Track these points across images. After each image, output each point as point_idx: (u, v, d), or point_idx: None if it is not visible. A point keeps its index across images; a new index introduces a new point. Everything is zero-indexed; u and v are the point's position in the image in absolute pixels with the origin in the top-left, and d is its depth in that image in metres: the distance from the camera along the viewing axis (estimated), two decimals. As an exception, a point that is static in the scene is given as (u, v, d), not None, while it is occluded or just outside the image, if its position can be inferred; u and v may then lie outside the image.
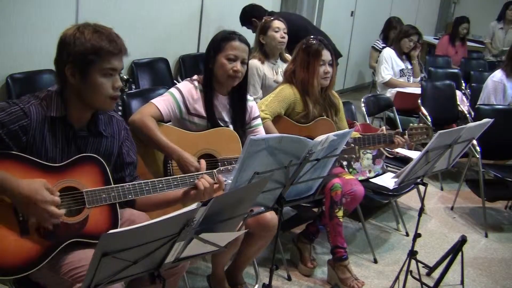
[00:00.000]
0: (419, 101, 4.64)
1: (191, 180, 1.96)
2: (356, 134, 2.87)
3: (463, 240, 2.76)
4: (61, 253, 1.74)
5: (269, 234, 2.45)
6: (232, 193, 1.67)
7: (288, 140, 1.84)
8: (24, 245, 1.68)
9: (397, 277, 2.72)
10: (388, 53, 5.08)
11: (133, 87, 3.93)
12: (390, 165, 3.68)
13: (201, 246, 1.52)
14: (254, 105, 2.62)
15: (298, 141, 1.86)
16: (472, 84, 5.14)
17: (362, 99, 4.05)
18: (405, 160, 3.53)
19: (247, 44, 2.47)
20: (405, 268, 2.65)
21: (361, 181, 3.13)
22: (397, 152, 3.52)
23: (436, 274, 2.95)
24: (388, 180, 3.26)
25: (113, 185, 1.83)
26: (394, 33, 5.52)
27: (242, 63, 2.42)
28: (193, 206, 1.33)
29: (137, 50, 4.29)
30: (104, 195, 1.79)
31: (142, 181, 1.88)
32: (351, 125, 3.20)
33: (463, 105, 4.97)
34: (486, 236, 3.75)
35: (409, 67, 5.15)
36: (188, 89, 2.45)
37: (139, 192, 1.86)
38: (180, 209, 1.33)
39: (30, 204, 1.62)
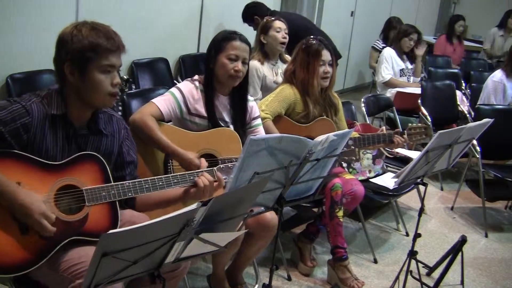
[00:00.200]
0: (419, 101, 4.64)
1: (191, 178, 1.96)
2: (356, 134, 2.87)
3: (463, 240, 2.76)
4: (61, 251, 1.75)
5: (269, 234, 2.45)
6: (232, 193, 1.67)
7: (288, 140, 1.84)
8: (23, 244, 1.69)
9: (397, 277, 2.72)
10: (389, 52, 5.08)
11: (133, 87, 3.93)
12: (390, 165, 3.68)
13: (201, 246, 1.52)
14: (255, 105, 2.62)
15: (298, 141, 1.86)
16: (472, 84, 5.14)
17: (362, 99, 4.05)
18: (405, 160, 3.53)
19: (248, 43, 2.47)
20: (405, 268, 2.65)
21: (361, 181, 3.13)
22: (397, 152, 3.52)
23: (436, 274, 2.95)
24: (388, 180, 3.26)
25: (113, 183, 1.83)
26: (394, 33, 5.52)
27: (243, 63, 2.42)
28: (193, 206, 1.33)
29: (137, 50, 4.29)
30: (104, 193, 1.79)
31: (142, 179, 1.88)
32: (351, 125, 3.20)
33: (463, 105, 4.97)
34: (486, 236, 3.75)
35: (409, 67, 5.15)
36: (189, 89, 2.45)
37: (139, 190, 1.86)
38: (180, 209, 1.33)
39: (26, 215, 1.65)
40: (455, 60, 6.68)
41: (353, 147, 2.75)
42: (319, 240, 3.24)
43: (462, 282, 2.95)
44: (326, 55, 2.92)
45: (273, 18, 3.76)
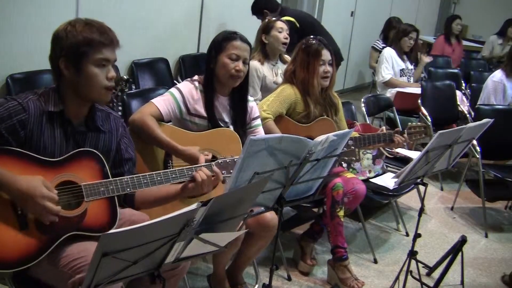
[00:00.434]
0: (419, 101, 4.64)
1: (189, 173, 1.96)
2: (356, 134, 2.87)
3: (463, 240, 2.76)
4: (60, 247, 1.75)
5: (269, 234, 2.45)
6: (232, 193, 1.67)
7: (288, 140, 1.84)
8: (23, 239, 1.69)
9: (397, 277, 2.71)
10: (389, 52, 5.08)
11: (133, 87, 3.93)
12: (390, 165, 3.68)
13: (201, 246, 1.52)
14: (254, 106, 2.62)
15: (298, 141, 1.86)
16: (472, 84, 5.15)
17: (362, 99, 4.05)
18: (405, 160, 3.53)
19: (249, 43, 2.47)
20: (405, 268, 2.65)
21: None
22: (397, 152, 3.52)
23: (436, 274, 2.95)
24: (388, 180, 3.26)
25: (111, 179, 1.84)
26: (394, 33, 5.52)
27: (243, 63, 2.42)
28: (193, 206, 1.33)
29: (137, 50, 4.29)
30: (102, 188, 1.80)
31: (140, 174, 1.88)
32: (351, 125, 3.20)
33: (463, 105, 4.97)
34: (486, 236, 3.75)
35: (410, 67, 5.15)
36: (188, 89, 2.45)
37: (137, 185, 1.86)
38: (180, 209, 1.33)
39: (28, 200, 1.64)
40: (454, 61, 6.68)
41: (353, 147, 2.75)
42: (319, 240, 3.24)
43: (462, 282, 2.95)
44: (326, 54, 2.92)
45: (274, 19, 3.77)
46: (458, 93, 4.97)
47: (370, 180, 3.30)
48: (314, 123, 2.93)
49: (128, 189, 1.84)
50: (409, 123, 2.92)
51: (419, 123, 2.96)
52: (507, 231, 3.89)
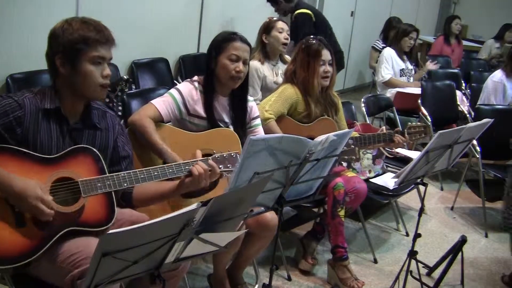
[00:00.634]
0: (419, 101, 4.64)
1: (186, 167, 1.96)
2: (356, 134, 2.87)
3: (463, 240, 2.76)
4: (58, 243, 1.76)
5: (269, 234, 2.45)
6: (232, 193, 1.67)
7: (288, 140, 1.84)
8: (20, 236, 1.70)
9: (397, 277, 2.71)
10: (389, 53, 5.08)
11: (133, 87, 3.93)
12: (390, 165, 3.68)
13: (201, 246, 1.52)
14: (254, 106, 2.62)
15: (298, 141, 1.86)
16: (472, 84, 5.14)
17: (362, 99, 4.05)
18: (405, 160, 3.53)
19: (248, 44, 2.46)
20: (405, 268, 2.65)
21: (361, 180, 3.13)
22: (397, 152, 3.53)
23: (436, 274, 2.95)
24: (388, 180, 3.26)
25: (108, 174, 1.84)
26: (393, 33, 5.52)
27: (244, 63, 2.41)
28: (193, 206, 1.33)
29: (137, 50, 4.29)
30: (99, 184, 1.81)
31: (137, 170, 1.89)
32: (351, 125, 3.21)
33: (463, 105, 4.98)
34: (486, 236, 3.76)
35: (410, 67, 5.15)
36: (188, 90, 2.45)
37: (134, 180, 1.87)
38: (180, 209, 1.33)
39: (22, 200, 1.66)
40: (454, 61, 6.68)
41: (353, 146, 2.75)
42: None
43: (462, 282, 2.95)
44: (326, 54, 2.92)
45: (275, 19, 3.77)
46: (458, 93, 4.97)
47: (370, 180, 3.30)
48: (315, 123, 2.93)
49: (125, 184, 1.85)
50: (409, 123, 2.93)
51: (418, 123, 2.97)
52: (507, 231, 3.89)
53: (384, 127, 3.00)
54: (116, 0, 3.99)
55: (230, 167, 2.05)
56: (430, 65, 5.30)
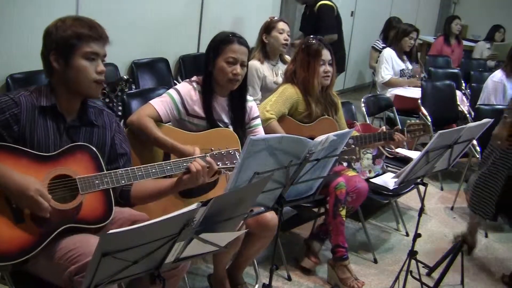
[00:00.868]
0: (419, 101, 4.64)
1: (184, 165, 1.96)
2: (356, 134, 2.87)
3: (463, 240, 2.76)
4: (56, 240, 1.76)
5: (269, 234, 2.45)
6: (232, 193, 1.67)
7: (288, 140, 1.84)
8: (19, 232, 1.70)
9: (397, 277, 2.71)
10: (389, 53, 5.08)
11: (133, 87, 3.93)
12: (390, 165, 3.68)
13: (201, 246, 1.52)
14: (254, 105, 2.62)
15: (298, 141, 1.86)
16: (472, 84, 5.15)
17: (362, 99, 4.05)
18: (405, 160, 3.53)
19: (247, 46, 2.45)
20: (405, 268, 2.65)
21: (361, 180, 3.13)
22: (397, 152, 3.53)
23: (436, 274, 2.95)
24: (388, 180, 3.26)
25: (105, 172, 1.85)
26: (393, 33, 5.52)
27: (241, 66, 2.40)
28: (193, 206, 1.33)
29: (137, 50, 4.29)
30: (97, 181, 1.81)
31: (135, 167, 1.89)
32: (351, 125, 3.21)
33: (463, 105, 4.98)
34: (486, 236, 3.75)
35: (409, 67, 5.15)
36: (187, 90, 2.45)
37: (132, 177, 1.87)
38: (180, 209, 1.33)
39: (21, 194, 1.66)
40: (454, 61, 6.69)
41: (353, 146, 2.75)
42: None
43: (462, 282, 2.95)
44: (326, 54, 2.92)
45: (277, 19, 3.77)
46: (458, 93, 4.97)
47: (370, 180, 3.31)
48: (316, 123, 2.94)
49: (123, 181, 1.85)
50: (408, 121, 2.95)
51: (417, 121, 2.98)
52: (507, 231, 3.88)
53: (384, 127, 3.00)
54: (116, 0, 3.99)
55: (229, 164, 2.04)
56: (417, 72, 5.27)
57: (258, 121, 2.62)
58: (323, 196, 2.80)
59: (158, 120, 2.37)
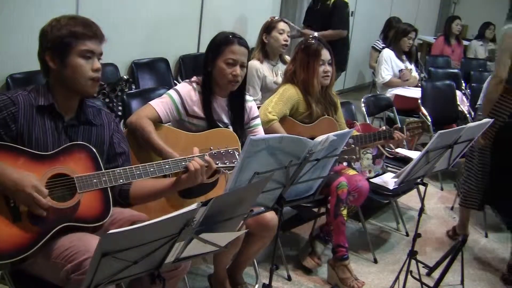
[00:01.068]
0: (419, 101, 4.64)
1: (183, 164, 1.96)
2: (355, 133, 2.88)
3: (463, 240, 2.76)
4: (53, 239, 1.76)
5: (269, 234, 2.45)
6: (232, 193, 1.67)
7: (288, 140, 1.84)
8: (16, 231, 1.70)
9: (397, 277, 2.72)
10: (388, 54, 5.08)
11: (133, 87, 3.93)
12: (390, 165, 3.68)
13: (201, 246, 1.52)
14: (254, 105, 2.61)
15: (298, 141, 1.86)
16: (472, 84, 5.14)
17: (362, 99, 4.05)
18: (405, 160, 3.54)
19: (247, 47, 2.44)
20: (405, 268, 2.65)
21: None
22: (397, 152, 3.54)
23: (436, 274, 2.95)
24: (388, 180, 3.26)
25: (103, 171, 1.85)
26: (392, 33, 5.52)
27: (241, 67, 2.40)
28: (193, 206, 1.33)
29: (137, 50, 4.29)
30: (95, 180, 1.81)
31: (133, 166, 1.89)
32: (351, 125, 3.21)
33: (463, 105, 4.98)
34: (486, 236, 3.76)
35: (409, 67, 5.14)
36: (186, 90, 2.44)
37: (130, 176, 1.87)
38: (180, 209, 1.33)
39: (18, 190, 1.66)
40: (454, 61, 6.69)
41: (353, 146, 2.76)
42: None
43: (462, 282, 2.95)
44: (325, 54, 2.92)
45: (277, 19, 3.77)
46: (458, 93, 4.97)
47: (370, 180, 3.31)
48: (317, 123, 2.94)
49: (121, 180, 1.85)
50: (407, 120, 2.96)
51: (416, 119, 3.00)
52: (507, 231, 3.87)
53: (384, 127, 3.00)
54: (116, 0, 3.99)
55: (228, 163, 2.04)
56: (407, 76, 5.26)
57: (258, 121, 2.62)
58: (324, 196, 2.80)
59: (158, 121, 2.36)
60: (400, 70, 5.05)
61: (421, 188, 2.60)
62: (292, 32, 4.62)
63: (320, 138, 1.89)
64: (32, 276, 1.83)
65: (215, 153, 2.05)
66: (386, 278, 3.04)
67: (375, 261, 3.24)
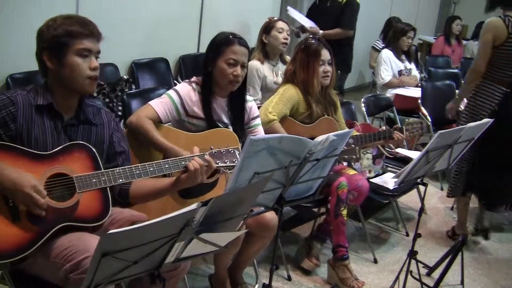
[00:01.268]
0: (419, 101, 4.64)
1: (182, 163, 1.96)
2: (355, 133, 2.88)
3: (463, 240, 2.76)
4: (53, 239, 1.76)
5: (269, 234, 2.45)
6: (232, 193, 1.67)
7: (288, 140, 1.84)
8: (15, 230, 1.70)
9: (397, 277, 2.72)
10: (387, 54, 5.08)
11: (133, 87, 3.93)
12: (390, 165, 3.68)
13: (201, 246, 1.51)
14: (254, 105, 2.61)
15: (298, 141, 1.86)
16: (472, 84, 5.13)
17: (362, 99, 4.05)
18: (405, 160, 3.54)
19: (247, 47, 2.44)
20: (405, 268, 2.65)
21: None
22: (397, 152, 3.54)
23: (436, 274, 2.95)
24: (388, 180, 3.26)
25: (103, 170, 1.85)
26: (391, 33, 5.52)
27: (242, 67, 2.40)
28: (193, 206, 1.33)
29: (137, 50, 4.29)
30: (94, 180, 1.81)
31: (132, 165, 1.89)
32: (351, 125, 3.21)
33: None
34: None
35: (408, 67, 5.14)
36: (186, 91, 2.44)
37: (130, 176, 1.86)
38: (180, 209, 1.33)
39: (17, 189, 1.66)
40: (454, 61, 6.69)
41: (353, 145, 2.76)
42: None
43: (462, 282, 2.95)
44: (325, 54, 2.92)
45: (276, 18, 3.77)
46: (458, 93, 4.96)
47: (370, 180, 3.31)
48: (317, 123, 2.94)
49: (120, 180, 1.85)
50: (406, 120, 2.97)
51: (415, 119, 3.00)
52: (507, 231, 3.89)
53: (384, 127, 3.01)
54: (116, 0, 3.99)
55: (228, 163, 2.04)
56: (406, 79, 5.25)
57: (258, 121, 2.62)
58: (324, 196, 2.80)
59: (158, 121, 2.36)
60: (400, 72, 5.04)
61: (421, 188, 2.60)
62: (296, 24, 4.62)
63: (320, 138, 1.89)
64: (32, 275, 1.83)
65: (215, 152, 2.04)
66: (386, 278, 3.04)
67: (375, 261, 3.24)
